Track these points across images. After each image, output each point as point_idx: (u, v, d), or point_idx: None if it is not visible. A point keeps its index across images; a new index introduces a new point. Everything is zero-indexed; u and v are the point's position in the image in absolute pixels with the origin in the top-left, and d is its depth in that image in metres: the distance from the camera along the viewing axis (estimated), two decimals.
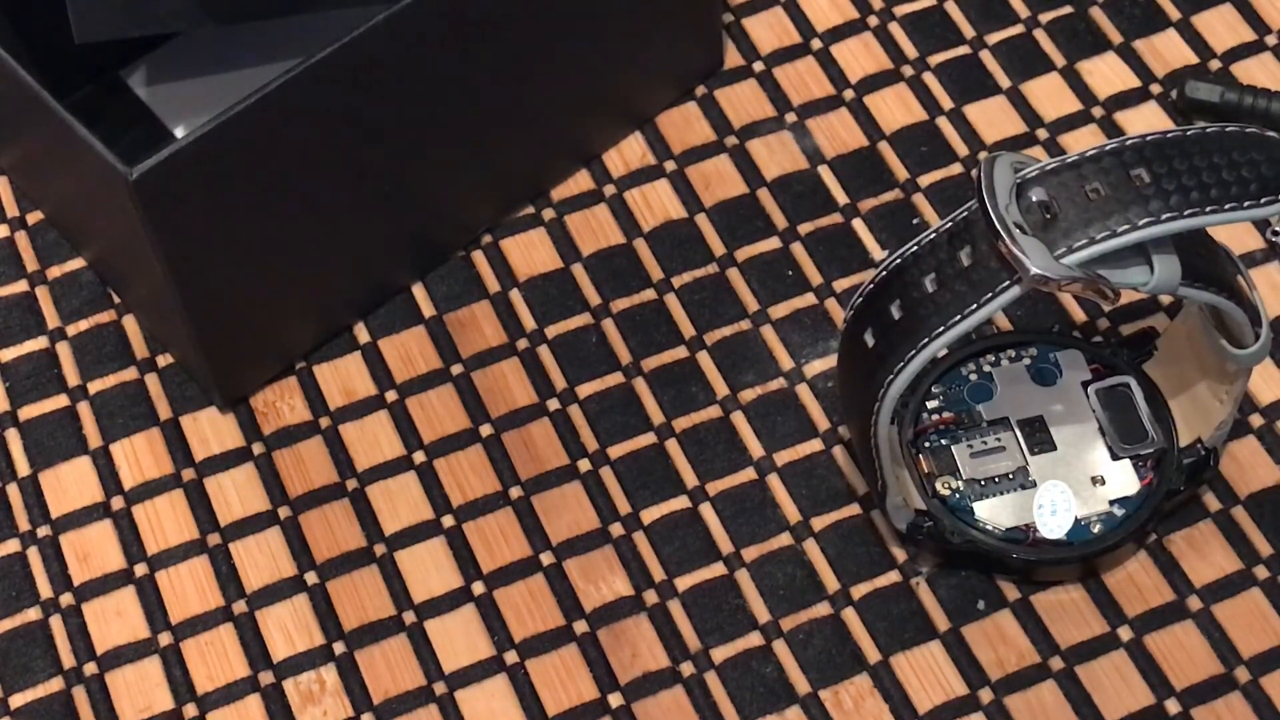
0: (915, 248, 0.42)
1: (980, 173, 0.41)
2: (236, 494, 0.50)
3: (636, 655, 0.47)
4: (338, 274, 0.51)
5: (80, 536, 0.49)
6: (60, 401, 0.51)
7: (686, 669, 0.46)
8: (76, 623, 0.48)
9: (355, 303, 0.52)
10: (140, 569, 0.49)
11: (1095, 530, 0.46)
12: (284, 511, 0.49)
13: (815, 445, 0.49)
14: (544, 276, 0.53)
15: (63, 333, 0.53)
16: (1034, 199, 0.40)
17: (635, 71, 0.54)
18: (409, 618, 0.48)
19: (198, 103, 0.54)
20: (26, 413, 0.51)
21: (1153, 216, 0.40)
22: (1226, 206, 0.40)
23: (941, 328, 0.41)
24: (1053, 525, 0.46)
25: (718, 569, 0.48)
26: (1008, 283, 0.40)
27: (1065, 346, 0.48)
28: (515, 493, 0.49)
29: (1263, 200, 0.41)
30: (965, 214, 0.41)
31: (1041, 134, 0.54)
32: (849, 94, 0.55)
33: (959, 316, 0.41)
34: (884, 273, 0.42)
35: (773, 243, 0.53)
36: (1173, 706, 0.45)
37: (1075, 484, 0.46)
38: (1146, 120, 0.54)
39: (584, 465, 0.49)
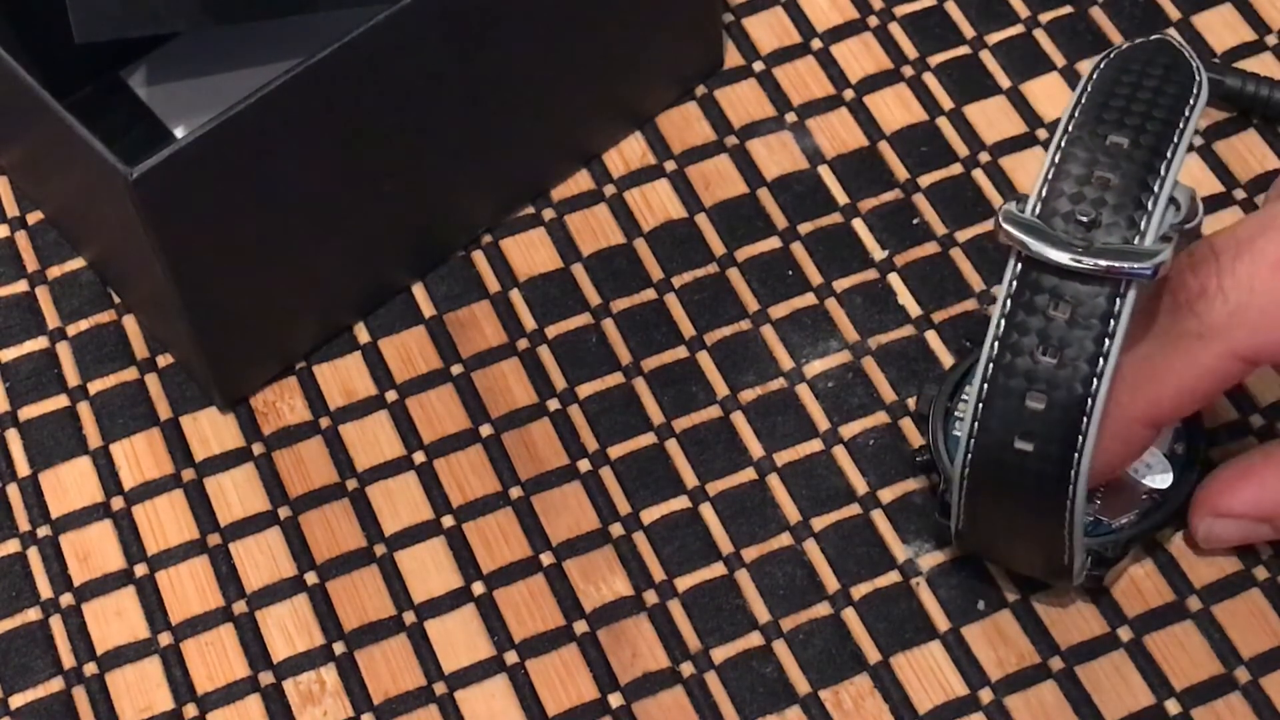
0: (995, 347, 0.41)
1: (1009, 237, 0.40)
2: (236, 494, 0.50)
3: (636, 655, 0.47)
4: (338, 274, 0.51)
5: (80, 536, 0.49)
6: (60, 401, 0.52)
7: (686, 669, 0.46)
8: (76, 623, 0.48)
9: (355, 303, 0.52)
10: (140, 569, 0.49)
11: (1181, 451, 0.46)
12: (284, 511, 0.49)
13: (815, 445, 0.49)
14: (544, 276, 0.53)
15: (63, 333, 0.53)
16: (1079, 218, 0.40)
17: (635, 71, 0.54)
18: (409, 618, 0.48)
19: (198, 103, 0.54)
20: (26, 413, 0.51)
21: (1163, 159, 0.40)
22: (1187, 114, 0.41)
23: (1094, 375, 0.40)
24: (1159, 477, 0.46)
25: (718, 569, 0.48)
26: (1123, 293, 0.40)
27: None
28: (515, 493, 0.49)
29: (1195, 100, 0.41)
30: (1013, 283, 0.40)
31: (1041, 134, 0.54)
32: (849, 94, 0.55)
33: (1100, 351, 0.40)
34: (985, 385, 0.41)
35: (773, 243, 0.53)
36: (1173, 707, 0.45)
37: None
38: None
39: (584, 465, 0.49)
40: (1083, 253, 0.40)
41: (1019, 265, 0.40)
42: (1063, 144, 0.41)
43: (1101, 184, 0.40)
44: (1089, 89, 0.42)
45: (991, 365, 0.41)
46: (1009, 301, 0.41)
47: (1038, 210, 0.40)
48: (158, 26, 0.50)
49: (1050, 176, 0.41)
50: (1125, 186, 0.40)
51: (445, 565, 0.48)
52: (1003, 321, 0.41)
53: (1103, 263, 0.39)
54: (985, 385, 0.41)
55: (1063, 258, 0.40)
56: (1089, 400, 0.40)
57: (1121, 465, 0.45)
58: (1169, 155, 0.40)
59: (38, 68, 0.46)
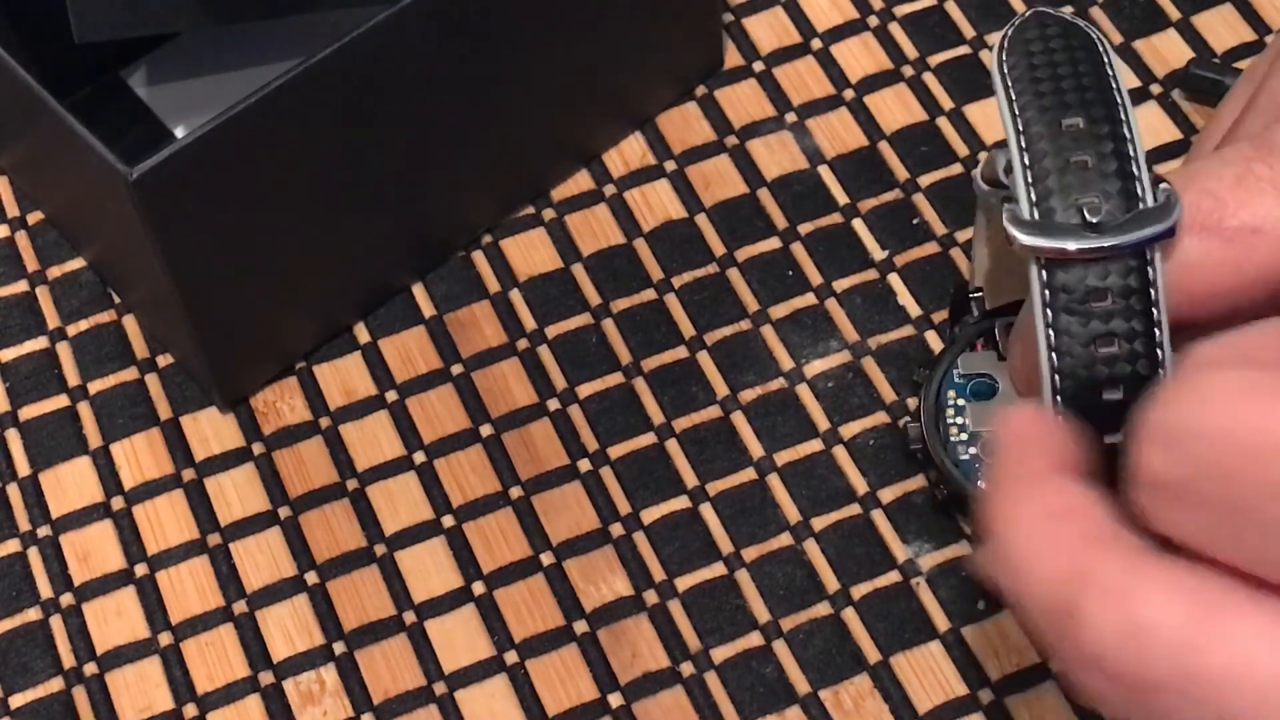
0: (1053, 358, 0.39)
1: (1025, 247, 0.39)
2: (236, 494, 0.50)
3: (636, 655, 0.47)
4: (338, 274, 0.51)
5: (80, 536, 0.49)
6: (60, 401, 0.52)
7: (686, 669, 0.46)
8: (76, 623, 0.48)
9: (355, 303, 0.52)
10: (140, 569, 0.49)
11: None
12: (284, 511, 0.49)
13: (815, 445, 0.49)
14: (544, 276, 0.53)
15: (63, 333, 0.53)
16: (1080, 207, 0.40)
17: (635, 71, 0.54)
18: (409, 618, 0.48)
19: (198, 103, 0.54)
20: (26, 413, 0.51)
21: (1122, 123, 0.40)
22: (1112, 73, 0.41)
23: (1157, 346, 0.39)
24: None
25: (718, 569, 0.48)
26: (1152, 261, 0.39)
27: (945, 360, 0.48)
28: (515, 493, 0.49)
29: (1108, 56, 0.41)
30: (1045, 292, 0.39)
31: None
32: (849, 94, 0.55)
33: (1154, 322, 0.39)
34: (1057, 396, 0.40)
35: (773, 243, 0.53)
36: None
37: None
38: (1147, 120, 0.54)
39: (584, 465, 0.49)
40: (1101, 236, 0.39)
41: (1044, 273, 0.40)
42: (1023, 143, 0.41)
43: (1081, 167, 0.40)
44: (1009, 81, 0.41)
45: (1057, 376, 0.40)
46: (1048, 310, 0.40)
47: (1035, 213, 0.40)
48: (158, 26, 0.50)
49: (1030, 178, 0.40)
50: (1104, 164, 0.40)
51: (445, 565, 0.48)
52: (1050, 332, 0.40)
53: (1125, 237, 0.39)
54: (1057, 397, 0.41)
55: (1085, 246, 0.39)
56: (1160, 371, 0.40)
57: None
58: (1125, 118, 0.40)
59: (38, 68, 0.46)
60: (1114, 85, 0.41)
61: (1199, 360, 0.35)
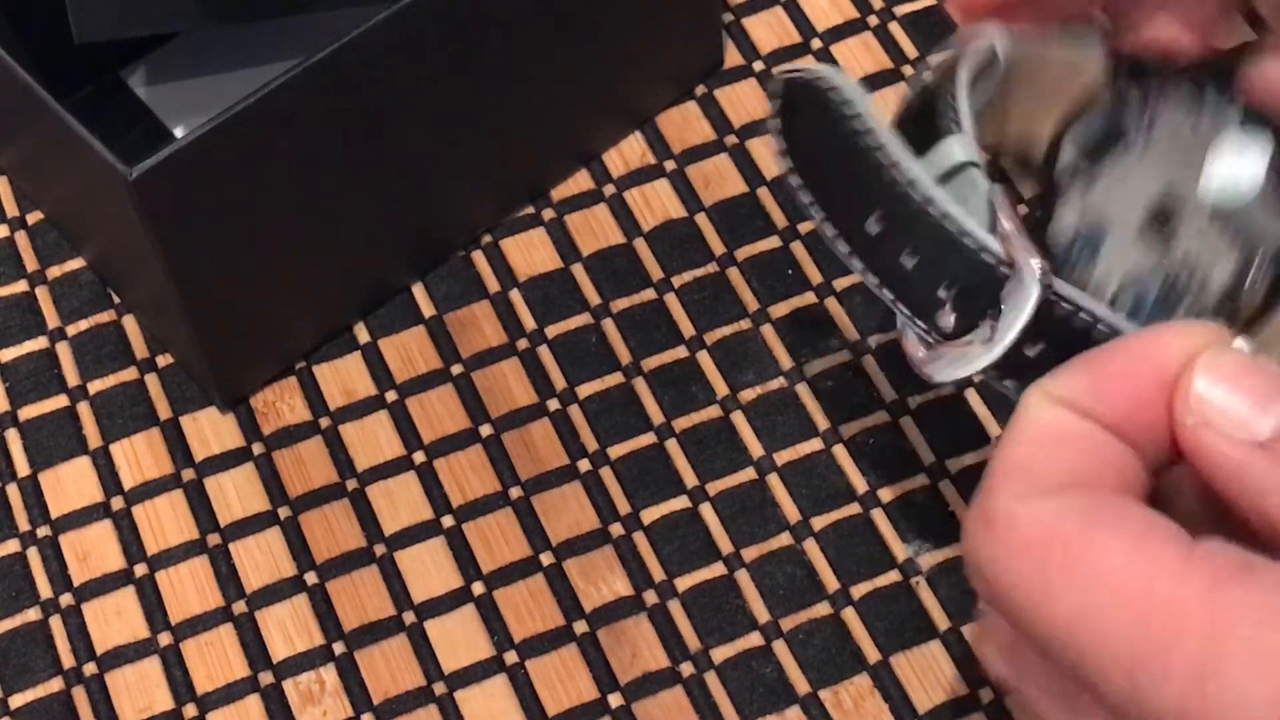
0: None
1: (938, 381, 0.38)
2: (236, 494, 0.50)
3: (636, 655, 0.47)
4: (338, 274, 0.51)
5: (80, 536, 0.49)
6: (60, 401, 0.52)
7: (686, 669, 0.46)
8: (76, 623, 0.48)
9: (355, 303, 0.52)
10: (140, 569, 0.49)
11: None
12: (284, 511, 0.49)
13: (815, 445, 0.49)
14: (544, 276, 0.53)
15: (63, 333, 0.53)
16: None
17: (635, 71, 0.54)
18: (409, 618, 0.48)
19: (198, 103, 0.54)
20: (26, 413, 0.51)
21: (911, 184, 0.38)
22: (864, 129, 0.39)
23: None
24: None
25: (718, 569, 0.48)
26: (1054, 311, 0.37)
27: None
28: (515, 493, 0.49)
29: (846, 106, 0.40)
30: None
31: None
32: None
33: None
34: None
35: (773, 242, 0.53)
36: None
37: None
38: None
39: (584, 465, 0.49)
40: (988, 345, 0.37)
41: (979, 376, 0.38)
42: (856, 263, 0.39)
43: (911, 255, 0.38)
44: (805, 199, 0.41)
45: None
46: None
47: (927, 335, 0.38)
48: (158, 26, 0.50)
49: (891, 295, 0.39)
50: (940, 249, 0.38)
51: (445, 565, 0.48)
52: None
53: (1001, 336, 0.37)
54: None
55: (985, 365, 0.37)
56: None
57: None
58: (911, 178, 0.38)
59: (38, 68, 0.46)
60: (874, 145, 0.38)
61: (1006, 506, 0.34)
